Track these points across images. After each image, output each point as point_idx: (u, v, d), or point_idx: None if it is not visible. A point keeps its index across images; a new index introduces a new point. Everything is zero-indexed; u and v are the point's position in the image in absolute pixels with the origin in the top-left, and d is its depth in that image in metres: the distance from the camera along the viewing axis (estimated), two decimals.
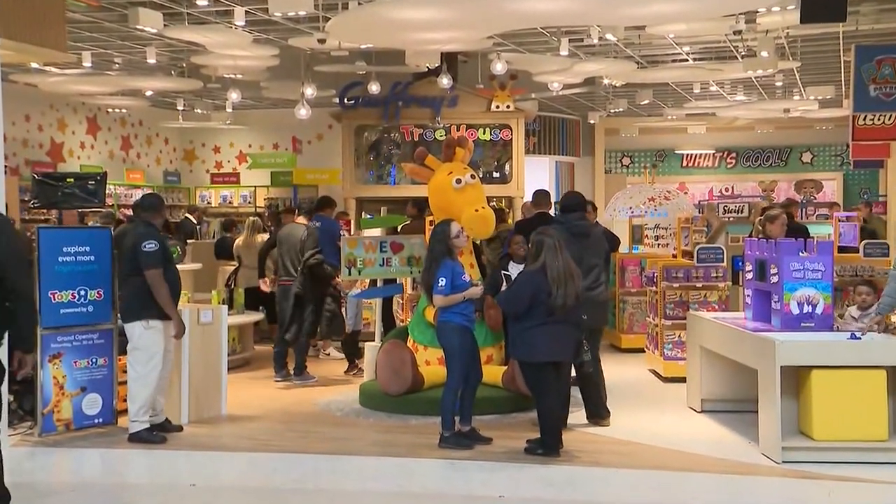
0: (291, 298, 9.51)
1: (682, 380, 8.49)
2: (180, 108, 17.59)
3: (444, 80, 12.66)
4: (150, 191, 16.88)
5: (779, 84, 16.73)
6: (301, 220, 10.03)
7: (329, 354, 11.11)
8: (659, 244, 14.46)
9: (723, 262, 9.48)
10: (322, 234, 9.99)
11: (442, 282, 6.73)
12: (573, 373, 7.31)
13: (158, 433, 7.07)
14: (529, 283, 6.53)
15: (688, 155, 23.34)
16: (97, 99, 16.84)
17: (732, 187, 23.08)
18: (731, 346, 7.27)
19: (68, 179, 7.98)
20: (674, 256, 12.77)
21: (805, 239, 7.01)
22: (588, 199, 8.25)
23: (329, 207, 10.74)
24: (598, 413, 7.49)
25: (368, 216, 13.23)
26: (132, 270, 7.00)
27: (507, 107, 13.39)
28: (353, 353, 10.05)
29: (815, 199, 22.29)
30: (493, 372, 7.90)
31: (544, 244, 6.56)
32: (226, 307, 8.48)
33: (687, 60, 14.61)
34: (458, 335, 6.78)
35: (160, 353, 7.04)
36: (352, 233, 12.34)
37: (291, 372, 9.56)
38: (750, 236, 8.70)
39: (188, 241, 14.66)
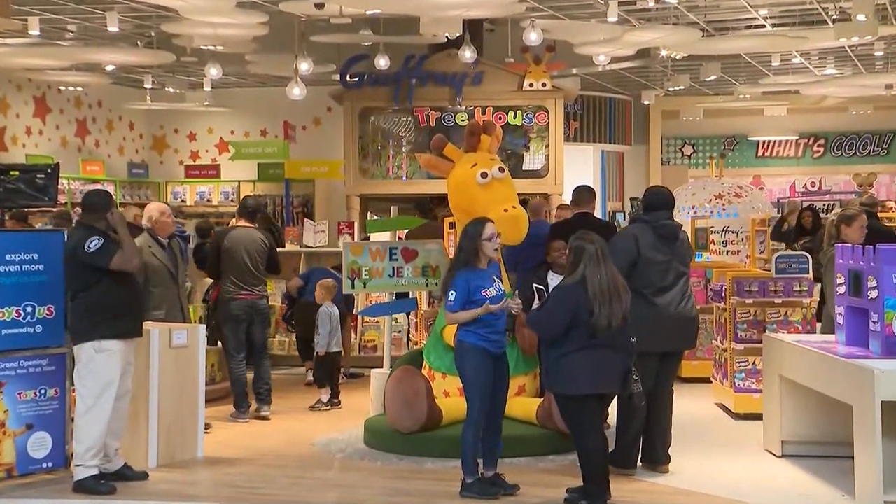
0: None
1: (758, 417, 8.47)
2: (148, 86, 17.68)
3: (467, 54, 12.67)
4: (105, 186, 17.00)
5: (879, 54, 16.65)
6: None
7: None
8: (728, 251, 14.40)
9: (808, 273, 9.44)
10: None
11: (452, 295, 6.72)
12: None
13: (107, 482, 7.05)
14: (566, 301, 6.51)
15: (764, 142, 23.26)
16: (47, 75, 16.93)
17: (820, 181, 22.98)
18: (818, 375, 7.23)
19: (12, 172, 8.04)
20: (749, 263, 12.74)
21: None
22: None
23: None
24: (654, 456, 7.46)
25: (376, 217, 13.27)
26: (80, 284, 7.05)
27: (543, 85, 13.39)
28: (325, 380, 10.09)
29: None
30: (525, 405, 7.90)
31: (584, 252, 6.53)
32: (203, 326, 8.52)
33: (764, 26, 14.57)
34: (472, 357, 6.75)
35: (115, 383, 7.04)
36: (355, 237, 12.39)
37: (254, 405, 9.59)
38: (816, 245, 8.55)
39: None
